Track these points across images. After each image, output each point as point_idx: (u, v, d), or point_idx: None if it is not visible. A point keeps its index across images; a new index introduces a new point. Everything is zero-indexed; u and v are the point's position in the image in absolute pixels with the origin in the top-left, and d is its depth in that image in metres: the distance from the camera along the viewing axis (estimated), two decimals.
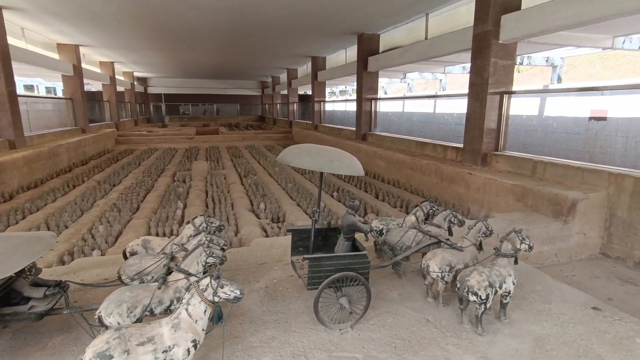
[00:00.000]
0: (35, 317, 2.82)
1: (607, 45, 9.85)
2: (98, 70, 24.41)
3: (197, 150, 20.39)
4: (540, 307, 3.67)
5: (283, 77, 31.26)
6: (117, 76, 27.53)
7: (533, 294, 3.93)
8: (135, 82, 33.54)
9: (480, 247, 3.82)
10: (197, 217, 4.03)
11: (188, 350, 2.41)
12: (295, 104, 28.16)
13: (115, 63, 25.33)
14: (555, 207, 6.13)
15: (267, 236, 7.07)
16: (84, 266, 4.55)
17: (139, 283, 3.32)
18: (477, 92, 8.56)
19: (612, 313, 3.54)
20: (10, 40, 14.21)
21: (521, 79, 21.98)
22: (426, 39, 11.57)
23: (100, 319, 2.72)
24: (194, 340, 2.44)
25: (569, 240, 6.12)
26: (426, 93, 26.59)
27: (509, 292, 3.30)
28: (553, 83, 14.27)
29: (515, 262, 3.43)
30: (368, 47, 14.56)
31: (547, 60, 13.64)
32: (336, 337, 3.19)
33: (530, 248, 3.44)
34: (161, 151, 19.76)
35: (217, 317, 2.59)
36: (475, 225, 3.78)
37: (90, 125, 20.44)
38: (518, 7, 7.97)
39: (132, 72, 31.68)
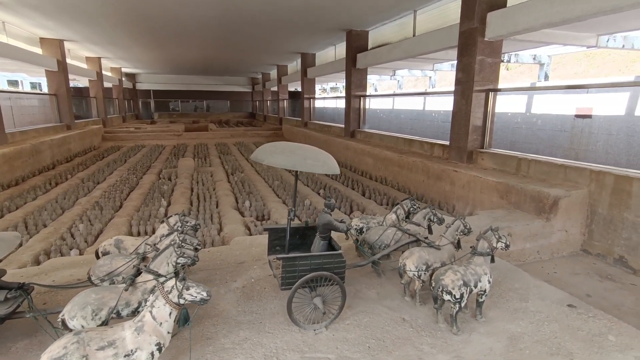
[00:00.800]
0: None
1: (592, 43, 9.92)
2: (84, 65, 23.98)
3: (185, 147, 20.18)
4: (517, 306, 3.67)
5: (273, 73, 31.05)
6: (104, 72, 27.08)
7: (511, 292, 3.93)
8: (123, 78, 33.06)
9: (458, 246, 3.80)
10: (171, 216, 3.95)
11: (152, 354, 2.34)
12: (285, 101, 28.00)
13: (102, 59, 24.89)
14: (538, 205, 6.16)
15: (250, 234, 7.00)
16: (57, 266, 4.44)
17: (109, 284, 3.24)
18: (463, 89, 8.56)
19: (586, 310, 3.55)
20: None
21: (509, 77, 22.12)
22: (414, 35, 11.54)
23: (63, 322, 2.63)
24: (158, 344, 2.36)
25: (551, 237, 6.15)
26: (415, 90, 26.64)
27: (485, 291, 3.28)
28: (540, 81, 14.36)
29: (492, 260, 3.41)
30: (357, 43, 14.49)
31: (534, 58, 13.70)
32: (310, 338, 3.14)
33: (507, 246, 3.43)
34: (148, 148, 19.51)
35: (183, 319, 2.52)
36: (453, 224, 3.76)
37: (76, 121, 20.09)
38: (504, 5, 7.96)
39: (120, 68, 31.22)
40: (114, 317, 2.76)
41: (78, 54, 23.11)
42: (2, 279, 3.14)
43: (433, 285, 3.17)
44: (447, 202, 8.39)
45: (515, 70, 21.92)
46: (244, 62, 27.05)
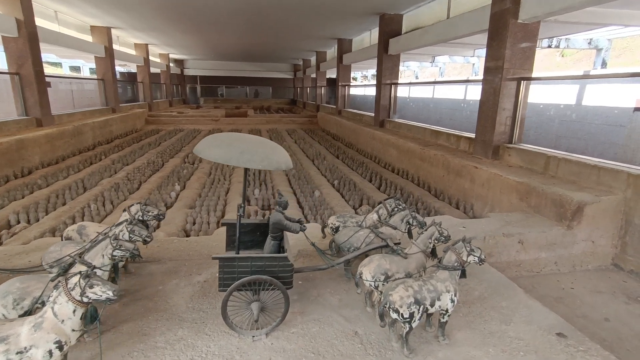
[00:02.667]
0: None
1: None
2: (133, 52, 25.18)
3: (219, 132, 20.58)
4: (495, 328, 3.18)
5: (313, 60, 30.70)
6: (153, 58, 28.31)
7: (493, 312, 3.42)
8: (171, 64, 34.39)
9: (433, 254, 3.36)
10: (133, 204, 3.87)
11: (50, 352, 2.24)
12: (323, 88, 27.59)
13: (149, 45, 25.97)
14: (559, 210, 5.41)
15: None
16: (42, 247, 4.57)
17: (58, 271, 3.21)
18: (492, 77, 7.75)
19: (578, 342, 2.99)
20: (44, 23, 14.87)
21: (564, 64, 20.01)
22: (448, 18, 10.65)
23: None
24: (58, 342, 2.26)
25: (573, 247, 5.41)
26: (455, 78, 25.01)
27: (447, 311, 2.84)
28: (596, 68, 12.78)
29: (463, 275, 2.95)
30: (390, 28, 13.74)
31: (589, 43, 12.18)
32: (246, 345, 2.92)
33: (482, 261, 2.95)
34: (185, 132, 20.15)
35: (90, 317, 2.40)
36: (427, 230, 3.32)
37: (122, 105, 21.24)
38: None
39: (168, 54, 32.45)
40: (39, 307, 2.71)
41: (127, 41, 24.28)
42: None
43: (381, 300, 2.80)
44: (465, 201, 7.73)
45: (572, 56, 19.76)
46: (284, 49, 26.96)
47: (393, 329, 2.90)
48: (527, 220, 5.58)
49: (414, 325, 2.71)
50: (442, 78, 22.49)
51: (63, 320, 2.28)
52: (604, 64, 12.55)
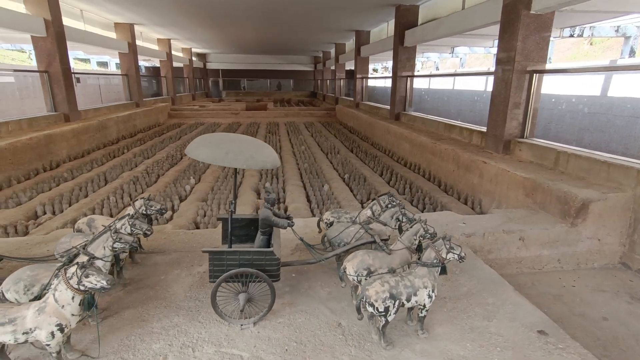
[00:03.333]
0: None
1: None
2: (156, 47, 25.87)
3: (238, 125, 20.99)
4: (477, 324, 3.24)
5: (333, 52, 30.58)
6: (176, 52, 28.98)
7: (479, 308, 3.47)
8: (194, 58, 35.07)
9: (419, 250, 3.43)
10: (137, 199, 4.12)
11: (52, 334, 2.49)
12: (342, 80, 27.49)
13: (172, 40, 26.59)
14: (563, 207, 5.32)
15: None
16: (59, 237, 4.93)
17: (67, 261, 3.50)
18: (503, 70, 7.60)
19: (558, 339, 3.01)
20: (71, 22, 15.53)
21: (592, 53, 19.09)
22: (463, 9, 10.43)
23: (2, 294, 2.92)
24: (59, 324, 2.51)
25: (577, 245, 5.32)
26: (475, 70, 24.30)
27: (424, 306, 2.93)
28: (623, 57, 12.19)
29: (443, 272, 3.03)
30: (405, 19, 13.56)
31: (616, 30, 11.62)
32: (235, 332, 3.11)
33: (461, 259, 3.01)
34: (205, 126, 20.64)
35: (87, 304, 2.64)
36: (412, 227, 3.39)
37: (145, 99, 21.96)
38: None
39: (190, 48, 33.09)
40: (47, 293, 2.98)
41: (150, 36, 24.95)
42: None
43: (358, 294, 2.91)
44: (474, 196, 7.66)
45: (601, 45, 18.81)
46: (303, 41, 27.00)
47: (372, 321, 3.03)
48: (530, 217, 5.52)
49: (389, 319, 2.82)
50: (463, 69, 21.97)
51: (63, 306, 2.53)
52: (632, 53, 11.96)
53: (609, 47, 18.24)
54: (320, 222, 4.44)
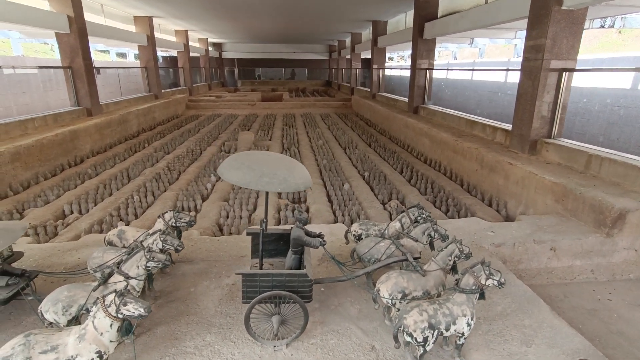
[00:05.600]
0: (0, 302, 3.19)
1: None
2: (174, 38, 25.88)
3: (255, 117, 20.95)
4: (515, 350, 3.16)
5: (348, 41, 30.08)
6: (192, 43, 28.95)
7: (515, 331, 3.39)
8: (210, 48, 35.00)
9: (454, 270, 3.35)
10: (167, 212, 4.13)
11: None
12: (357, 70, 27.06)
13: (189, 31, 26.54)
14: (598, 216, 5.13)
15: (279, 218, 7.10)
16: (88, 243, 5.02)
17: (101, 275, 3.54)
18: (530, 68, 7.29)
19: None
20: (92, 17, 15.61)
21: (621, 42, 18.20)
22: (486, 3, 10.03)
23: (42, 314, 2.97)
24: (98, 352, 2.54)
25: (613, 256, 5.14)
26: (491, 61, 23.48)
27: (463, 334, 2.86)
28: None
29: (481, 297, 2.94)
30: (425, 11, 13.15)
31: None
32: (268, 354, 3.11)
33: (501, 285, 2.91)
34: (223, 118, 20.67)
35: (125, 330, 2.66)
36: (447, 247, 3.30)
37: (164, 91, 22.08)
38: None
39: (207, 38, 33.01)
40: (84, 313, 3.03)
41: (168, 28, 24.96)
42: (18, 261, 3.65)
43: (396, 321, 2.85)
44: (499, 198, 7.48)
45: (631, 33, 17.87)
46: (318, 31, 26.62)
47: (408, 348, 2.97)
48: (561, 225, 5.35)
49: (427, 348, 2.77)
50: (482, 59, 21.32)
51: (102, 333, 2.56)
52: None
53: (638, 36, 17.33)
54: (348, 234, 4.38)
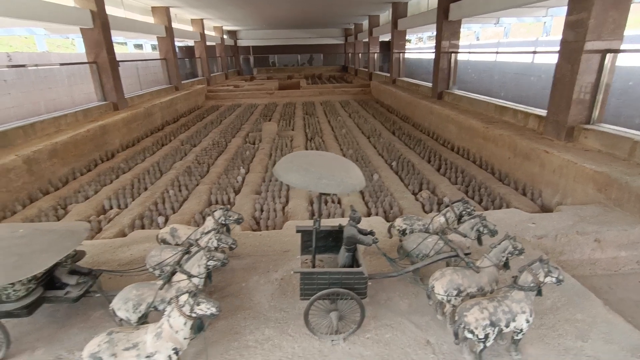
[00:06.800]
0: (71, 300, 3.38)
1: None
2: (190, 28, 25.91)
3: (274, 106, 20.97)
4: (571, 345, 3.18)
5: (366, 24, 29.51)
6: (208, 32, 28.95)
7: (568, 325, 3.41)
8: (225, 36, 34.93)
9: (506, 267, 3.37)
10: (217, 210, 4.24)
11: (169, 357, 2.68)
12: (375, 55, 26.62)
13: (204, 20, 26.51)
14: None
15: (312, 211, 7.19)
16: (137, 240, 5.22)
17: (159, 273, 3.71)
18: (570, 50, 7.07)
19: None
20: (112, 10, 15.76)
21: None
22: None
23: (114, 311, 3.15)
24: (174, 349, 2.69)
25: None
26: (518, 40, 22.67)
27: (521, 330, 2.90)
28: None
29: (539, 293, 2.96)
30: None
31: None
32: (326, 348, 3.23)
33: (560, 282, 2.92)
34: (243, 108, 20.77)
35: (197, 328, 2.80)
36: (500, 244, 3.31)
37: (183, 82, 22.25)
38: None
39: (222, 26, 32.91)
40: (152, 311, 3.20)
41: (184, 17, 24.98)
42: (81, 260, 3.85)
43: (456, 319, 2.91)
44: (533, 187, 7.37)
45: None
46: (335, 14, 26.17)
47: (465, 343, 3.04)
48: (605, 216, 5.27)
49: (488, 344, 2.83)
50: (507, 39, 20.63)
51: (177, 331, 2.70)
52: None
53: None
54: (392, 228, 4.42)
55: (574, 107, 7.15)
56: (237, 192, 8.37)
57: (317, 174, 3.05)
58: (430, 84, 15.29)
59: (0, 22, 13.32)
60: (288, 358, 3.15)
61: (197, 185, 8.75)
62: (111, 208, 7.70)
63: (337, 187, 3.04)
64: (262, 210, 7.21)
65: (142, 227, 6.72)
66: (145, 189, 8.65)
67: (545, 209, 6.81)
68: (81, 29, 12.62)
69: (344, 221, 4.92)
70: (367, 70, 28.11)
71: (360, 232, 3.46)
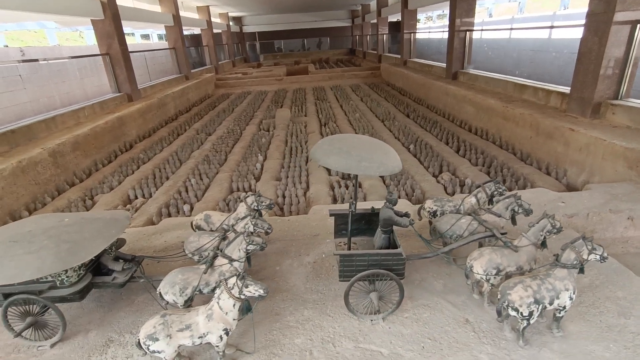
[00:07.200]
0: (118, 285, 3.49)
1: None
2: (196, 16, 25.70)
3: (284, 93, 20.86)
4: (613, 322, 3.19)
5: (373, 4, 28.90)
6: (214, 19, 28.69)
7: (609, 302, 3.41)
8: (230, 23, 34.59)
9: (543, 245, 3.36)
10: (249, 196, 4.29)
11: (220, 337, 2.78)
12: (384, 36, 26.13)
13: (210, 6, 26.24)
14: None
15: (333, 195, 7.22)
16: (169, 227, 5.32)
17: (198, 258, 3.80)
18: (597, 22, 6.85)
19: None
20: (120, 0, 15.67)
21: None
22: None
23: (161, 295, 3.25)
24: (225, 329, 2.78)
25: None
26: (533, 15, 21.99)
27: (564, 307, 2.92)
28: None
29: (581, 271, 2.97)
30: None
31: None
32: (366, 327, 3.29)
33: (604, 259, 2.92)
34: (253, 95, 20.71)
35: (245, 309, 2.88)
36: (538, 222, 3.31)
37: (192, 71, 22.20)
38: None
39: (227, 13, 32.58)
40: (197, 294, 3.29)
41: (189, 5, 24.75)
42: (122, 248, 3.95)
43: (499, 297, 2.93)
44: (557, 166, 7.28)
45: None
46: None
47: (507, 321, 3.07)
48: (638, 193, 5.19)
49: (531, 322, 2.85)
50: (522, 15, 20.07)
51: (227, 313, 2.78)
52: None
53: None
54: (422, 210, 4.43)
55: (600, 82, 6.97)
56: (257, 179, 8.43)
57: (357, 156, 3.07)
58: (443, 64, 15.01)
59: (14, 16, 13.40)
60: (330, 337, 3.22)
61: (217, 173, 8.83)
62: (136, 197, 7.84)
63: (377, 169, 3.05)
64: (284, 197, 7.26)
65: (169, 215, 6.84)
66: (167, 178, 8.76)
67: (571, 187, 6.73)
68: (92, 20, 12.61)
69: (366, 205, 4.95)
70: (375, 52, 27.65)
71: (397, 214, 3.48)
